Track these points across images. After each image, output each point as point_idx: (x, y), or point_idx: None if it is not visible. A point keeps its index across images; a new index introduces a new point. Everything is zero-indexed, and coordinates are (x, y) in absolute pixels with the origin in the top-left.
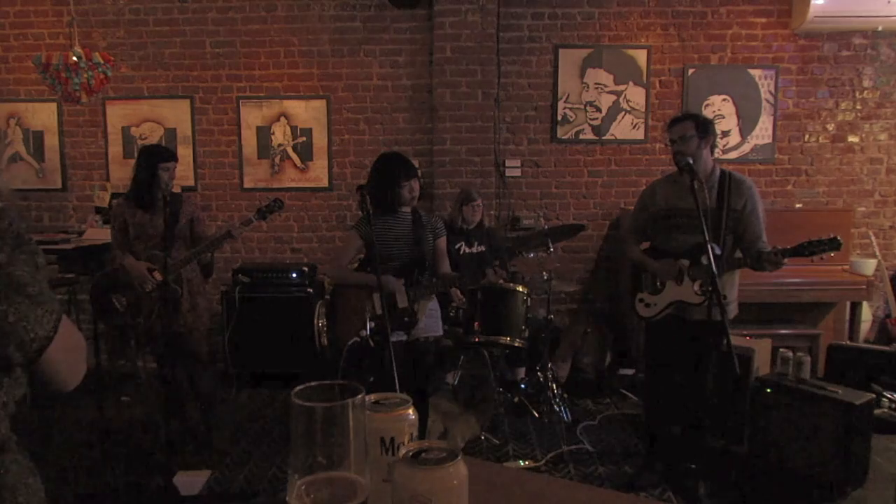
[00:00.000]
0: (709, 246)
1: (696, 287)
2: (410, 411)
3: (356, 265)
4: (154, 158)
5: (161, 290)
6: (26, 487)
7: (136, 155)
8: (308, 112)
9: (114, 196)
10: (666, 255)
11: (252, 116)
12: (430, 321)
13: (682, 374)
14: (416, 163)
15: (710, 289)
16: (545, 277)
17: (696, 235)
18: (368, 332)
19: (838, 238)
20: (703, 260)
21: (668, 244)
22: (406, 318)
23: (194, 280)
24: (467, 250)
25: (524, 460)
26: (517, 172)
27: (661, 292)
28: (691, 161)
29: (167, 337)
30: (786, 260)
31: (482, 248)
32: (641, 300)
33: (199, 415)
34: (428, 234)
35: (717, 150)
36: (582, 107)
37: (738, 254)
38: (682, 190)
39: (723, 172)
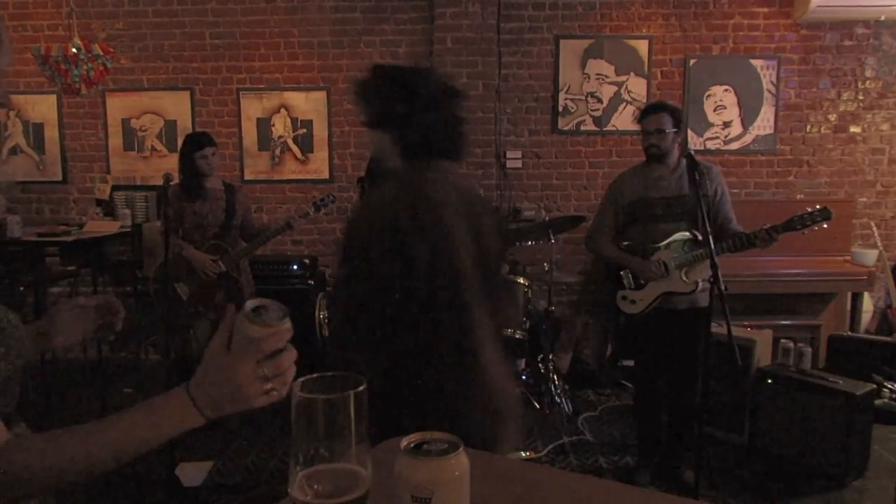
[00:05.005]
0: (709, 236)
1: (684, 275)
2: None
3: None
4: (189, 148)
5: (224, 280)
6: None
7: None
8: (308, 104)
9: (114, 188)
10: (641, 247)
11: (252, 108)
12: None
13: (673, 365)
14: None
15: (711, 281)
16: (546, 268)
17: (676, 224)
18: None
19: (828, 208)
20: (698, 248)
21: (644, 236)
22: None
23: (247, 270)
24: None
25: (525, 451)
26: (518, 164)
27: (646, 287)
28: (692, 152)
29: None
30: (779, 236)
31: None
32: (625, 297)
33: None
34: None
35: (718, 141)
36: (583, 98)
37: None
38: (649, 180)
39: (689, 157)
